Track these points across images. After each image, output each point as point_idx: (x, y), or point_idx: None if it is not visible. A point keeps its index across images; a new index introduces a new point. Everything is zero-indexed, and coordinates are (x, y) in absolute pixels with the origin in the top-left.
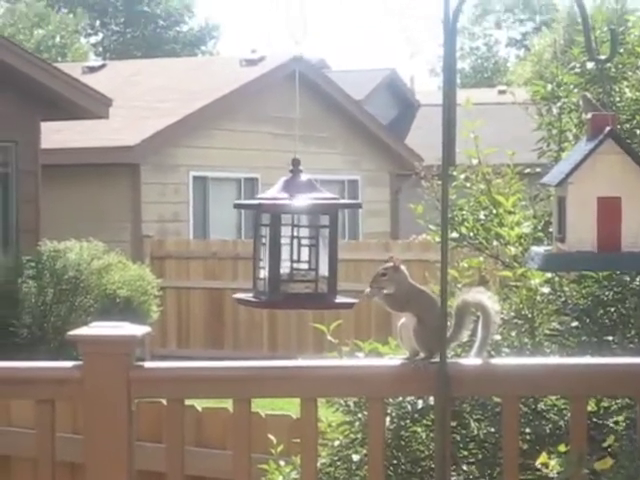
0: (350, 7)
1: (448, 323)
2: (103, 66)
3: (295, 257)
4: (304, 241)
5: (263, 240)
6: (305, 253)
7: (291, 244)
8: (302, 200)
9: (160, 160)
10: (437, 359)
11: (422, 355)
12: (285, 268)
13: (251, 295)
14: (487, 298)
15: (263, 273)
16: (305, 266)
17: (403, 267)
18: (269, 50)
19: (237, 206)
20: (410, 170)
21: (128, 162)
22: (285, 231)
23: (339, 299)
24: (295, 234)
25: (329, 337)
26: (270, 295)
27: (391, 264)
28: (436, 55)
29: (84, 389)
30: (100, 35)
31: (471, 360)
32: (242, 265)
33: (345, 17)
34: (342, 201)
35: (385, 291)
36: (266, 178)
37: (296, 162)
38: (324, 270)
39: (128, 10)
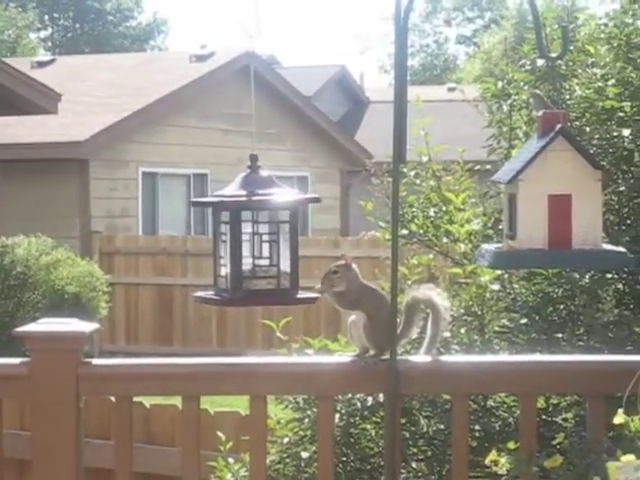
0: (300, 3)
1: (398, 320)
2: (52, 61)
3: (256, 253)
4: (265, 237)
5: (223, 237)
6: (266, 249)
7: (252, 240)
8: (262, 196)
9: (109, 156)
10: (387, 356)
11: (372, 352)
12: (247, 265)
13: (212, 293)
14: (436, 295)
15: (224, 270)
16: (267, 262)
17: (354, 265)
18: (218, 46)
19: (195, 204)
20: (360, 167)
21: (77, 157)
22: (246, 228)
23: (301, 294)
24: (256, 230)
25: (278, 334)
26: (232, 292)
27: (343, 262)
28: (386, 52)
29: (32, 386)
30: (49, 30)
31: (421, 357)
32: (191, 261)
33: (295, 13)
34: (302, 196)
35: (336, 289)
36: (216, 174)
37: (254, 158)
38: (286, 266)
39: (77, 5)
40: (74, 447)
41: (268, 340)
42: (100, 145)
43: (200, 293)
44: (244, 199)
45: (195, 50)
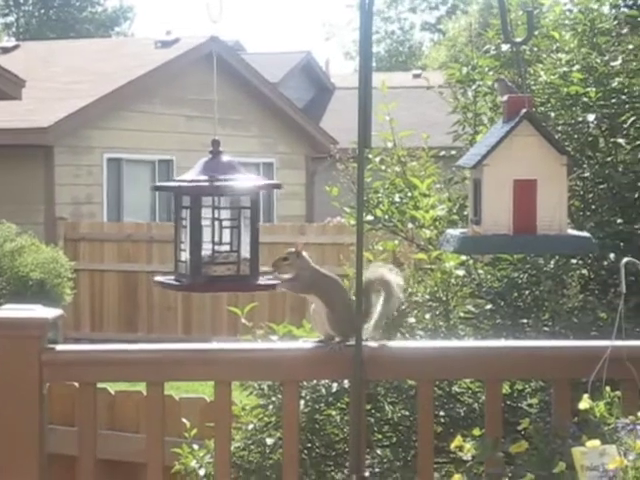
0: None
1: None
2: (16, 47)
3: (217, 239)
4: (225, 223)
5: (184, 222)
6: (227, 235)
7: (212, 226)
8: (223, 181)
9: (74, 142)
10: (352, 342)
11: (337, 339)
12: (207, 250)
13: (172, 278)
14: (388, 271)
15: (184, 256)
16: (227, 248)
17: (305, 253)
18: (184, 32)
19: (156, 188)
20: (325, 153)
21: (42, 144)
22: (206, 213)
23: (261, 281)
24: (216, 216)
25: (243, 320)
26: (192, 278)
27: (293, 249)
28: (351, 39)
29: None
30: (14, 16)
31: (385, 343)
32: (157, 248)
33: None
34: (263, 182)
35: (285, 275)
36: (181, 160)
37: (216, 143)
38: (246, 252)
39: None
40: (37, 433)
41: (234, 326)
42: (65, 131)
43: (160, 278)
44: (204, 184)
45: (160, 36)
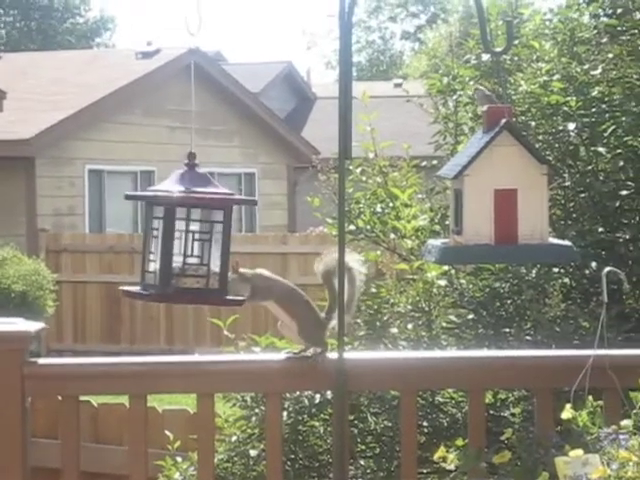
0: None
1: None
2: None
3: (187, 251)
4: (197, 236)
5: (155, 233)
6: (198, 248)
7: (184, 238)
8: (196, 194)
9: (56, 153)
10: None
11: (315, 350)
12: (177, 262)
13: (139, 288)
14: (347, 256)
15: (153, 266)
16: (197, 261)
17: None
18: (165, 43)
19: (129, 197)
20: (307, 163)
21: (23, 155)
22: (178, 225)
23: (230, 296)
24: (188, 228)
25: (225, 332)
26: (161, 288)
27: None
28: (332, 48)
29: None
30: None
31: (369, 354)
32: (139, 259)
33: (241, 9)
34: (237, 197)
35: (243, 295)
36: (163, 171)
37: (192, 156)
38: (216, 266)
39: (23, 1)
40: (20, 447)
41: (217, 338)
42: (46, 143)
43: (127, 287)
44: (178, 195)
45: (141, 47)
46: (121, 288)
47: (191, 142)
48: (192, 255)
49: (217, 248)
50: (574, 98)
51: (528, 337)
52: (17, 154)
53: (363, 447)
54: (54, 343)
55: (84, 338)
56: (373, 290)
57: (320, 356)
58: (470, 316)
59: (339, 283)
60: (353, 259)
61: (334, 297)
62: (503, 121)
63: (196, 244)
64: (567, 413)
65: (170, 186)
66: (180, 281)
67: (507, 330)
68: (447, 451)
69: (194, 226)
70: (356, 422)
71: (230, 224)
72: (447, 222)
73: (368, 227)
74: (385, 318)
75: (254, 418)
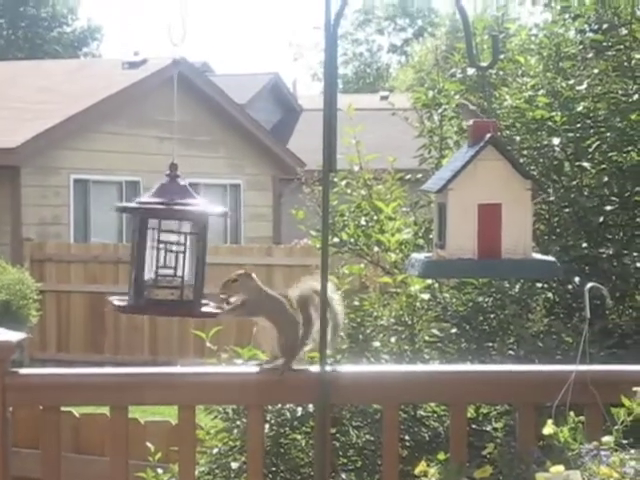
0: (233, 11)
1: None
2: None
3: (161, 263)
4: (170, 247)
5: (138, 245)
6: (172, 259)
7: (156, 250)
8: (169, 206)
9: (41, 162)
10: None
11: (281, 360)
12: (150, 274)
13: (124, 299)
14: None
15: (132, 278)
16: (171, 272)
17: (254, 275)
18: (152, 53)
19: (119, 210)
20: (292, 175)
21: (8, 164)
22: (152, 236)
23: (205, 308)
24: (161, 239)
25: (208, 344)
26: (133, 300)
27: (242, 271)
28: (318, 60)
29: None
30: None
31: (351, 367)
32: (123, 269)
33: (228, 21)
34: (212, 209)
35: (236, 297)
36: (148, 182)
37: (173, 167)
38: (191, 278)
39: (11, 11)
40: (0, 457)
41: (200, 348)
42: (31, 152)
43: (113, 298)
44: (151, 207)
45: (128, 57)
46: (108, 298)
47: (173, 151)
48: (165, 266)
49: (192, 260)
50: (559, 113)
51: (511, 352)
52: (2, 163)
53: (345, 460)
54: (37, 352)
55: (67, 348)
56: (356, 303)
57: (283, 367)
58: (453, 330)
59: (322, 298)
60: (331, 289)
61: (309, 324)
62: (488, 135)
63: (170, 255)
64: (549, 428)
65: (149, 198)
66: (152, 292)
67: (490, 344)
68: (428, 465)
69: (167, 237)
70: (338, 435)
71: (205, 235)
72: (431, 236)
73: (352, 240)
74: (368, 331)
75: (236, 430)
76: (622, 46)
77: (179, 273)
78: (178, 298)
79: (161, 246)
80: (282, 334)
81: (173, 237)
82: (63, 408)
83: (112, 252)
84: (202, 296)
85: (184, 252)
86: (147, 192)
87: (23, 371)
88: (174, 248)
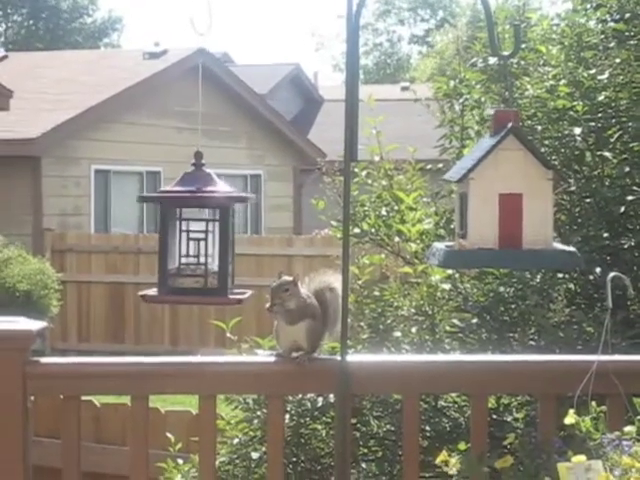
0: (254, 1)
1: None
2: (4, 57)
3: (184, 251)
4: (194, 235)
5: (162, 234)
6: (195, 247)
7: (179, 238)
8: (191, 194)
9: (62, 153)
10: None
11: (301, 352)
12: (174, 262)
13: (155, 290)
14: (335, 280)
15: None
16: (194, 260)
17: (300, 283)
18: (173, 43)
19: (141, 199)
20: (313, 165)
21: (29, 155)
22: (177, 225)
23: (232, 295)
24: (184, 228)
25: (228, 334)
26: (159, 289)
27: (290, 279)
28: (340, 51)
29: None
30: (2, 26)
31: (372, 357)
32: (144, 259)
33: (249, 10)
34: (233, 194)
35: (287, 307)
36: (169, 172)
37: (198, 155)
38: (214, 265)
39: (32, 1)
40: (21, 446)
41: (221, 338)
42: (52, 142)
43: (145, 291)
44: (173, 196)
45: (149, 48)
46: (139, 293)
47: (198, 141)
48: (189, 255)
49: (216, 247)
50: (581, 103)
51: (532, 342)
52: (23, 153)
53: (365, 450)
54: (58, 343)
55: (88, 338)
56: (377, 293)
57: (305, 357)
58: (474, 320)
59: (344, 288)
60: (338, 280)
61: (326, 317)
62: (509, 125)
63: (196, 243)
64: (570, 418)
65: (174, 187)
66: (177, 281)
67: (511, 335)
68: (449, 455)
69: (194, 225)
70: (358, 425)
71: (228, 222)
72: (452, 226)
73: (373, 230)
74: (388, 321)
75: (256, 421)
76: None
77: (207, 260)
78: (202, 286)
79: (189, 234)
80: (311, 329)
81: (200, 225)
82: (84, 397)
83: (133, 242)
84: (227, 282)
85: (206, 240)
86: (172, 181)
87: (44, 360)
88: (201, 235)
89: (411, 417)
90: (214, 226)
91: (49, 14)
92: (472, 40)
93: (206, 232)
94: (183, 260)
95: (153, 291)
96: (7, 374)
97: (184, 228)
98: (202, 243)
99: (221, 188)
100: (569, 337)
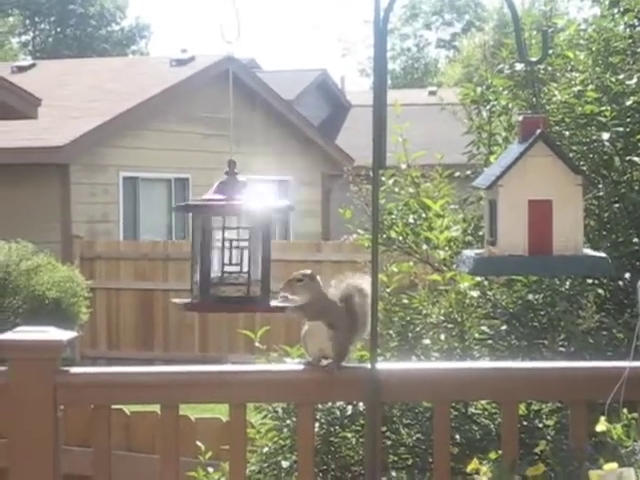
0: (280, 6)
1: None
2: (33, 65)
3: (226, 260)
4: (236, 244)
5: (197, 243)
6: (237, 256)
7: (222, 247)
8: (234, 202)
9: (90, 160)
10: (345, 363)
11: (329, 360)
12: (216, 271)
13: (188, 299)
14: (366, 282)
15: (196, 277)
16: (237, 269)
17: (319, 277)
18: (200, 50)
19: (177, 209)
20: (341, 171)
21: (57, 162)
22: (218, 234)
23: (273, 303)
24: (227, 237)
25: (257, 343)
26: (200, 298)
27: (309, 271)
28: (367, 56)
29: (9, 395)
30: (30, 34)
31: (401, 364)
32: (173, 266)
33: (275, 16)
34: (275, 204)
35: (298, 297)
36: (197, 179)
37: (232, 164)
38: (256, 273)
39: (59, 9)
40: (51, 455)
41: (250, 345)
42: (80, 150)
43: (177, 300)
44: (214, 204)
45: (176, 54)
46: (172, 300)
47: (230, 149)
48: (231, 263)
49: (257, 255)
50: (609, 108)
51: (562, 349)
52: (51, 161)
53: (395, 458)
54: (88, 350)
55: (118, 345)
56: (405, 301)
57: (334, 365)
58: (503, 327)
59: (373, 296)
60: (366, 282)
61: (355, 322)
62: (538, 131)
63: (235, 252)
64: (601, 425)
65: (211, 195)
66: (219, 290)
67: (540, 342)
68: (480, 463)
69: (233, 234)
70: (388, 433)
71: (269, 230)
72: (480, 232)
73: (401, 238)
74: (417, 329)
75: (285, 429)
76: None
77: (245, 269)
78: (245, 294)
79: (225, 243)
80: (337, 336)
81: (236, 233)
82: (114, 406)
83: (161, 249)
84: (268, 291)
85: (249, 248)
86: (200, 188)
87: (74, 370)
88: (239, 244)
89: (441, 425)
90: (256, 235)
91: (77, 22)
92: (499, 45)
93: (249, 240)
94: (225, 269)
95: (189, 299)
96: (38, 384)
97: (226, 237)
98: (245, 252)
99: (259, 197)
100: (599, 343)
